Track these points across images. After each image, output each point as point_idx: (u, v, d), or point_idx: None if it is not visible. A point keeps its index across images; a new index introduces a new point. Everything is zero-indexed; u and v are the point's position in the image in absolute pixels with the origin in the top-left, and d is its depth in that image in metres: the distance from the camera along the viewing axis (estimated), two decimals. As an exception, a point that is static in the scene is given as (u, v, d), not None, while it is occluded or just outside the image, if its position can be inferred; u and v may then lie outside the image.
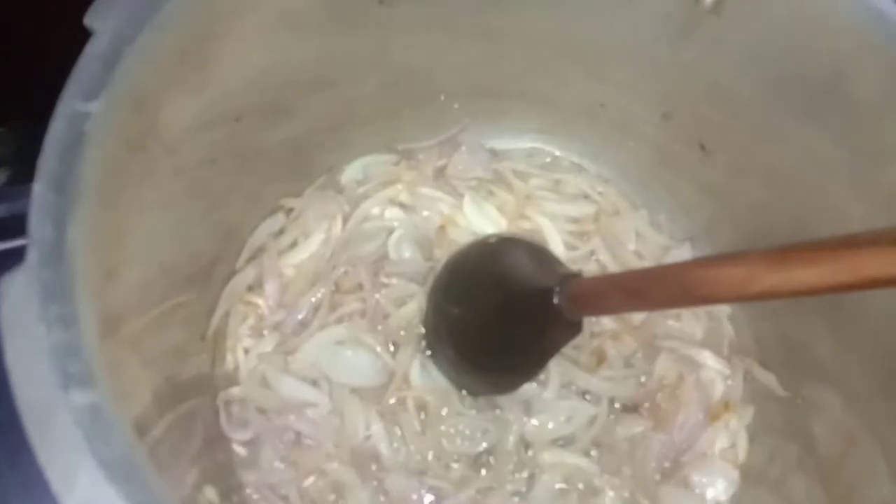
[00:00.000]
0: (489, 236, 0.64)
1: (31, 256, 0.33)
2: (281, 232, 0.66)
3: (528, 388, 0.61)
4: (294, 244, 0.66)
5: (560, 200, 0.69)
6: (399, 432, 0.59)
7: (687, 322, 0.65)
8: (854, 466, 0.53)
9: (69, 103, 0.37)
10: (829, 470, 0.55)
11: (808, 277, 0.37)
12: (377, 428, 0.58)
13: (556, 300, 0.54)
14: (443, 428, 0.60)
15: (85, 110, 0.37)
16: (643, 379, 0.63)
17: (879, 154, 0.49)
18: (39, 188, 0.34)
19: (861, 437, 0.53)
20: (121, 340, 0.41)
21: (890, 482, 0.48)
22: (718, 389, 0.63)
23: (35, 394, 0.30)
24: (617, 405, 0.62)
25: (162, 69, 0.42)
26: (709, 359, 0.63)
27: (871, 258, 0.34)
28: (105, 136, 0.38)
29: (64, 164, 0.35)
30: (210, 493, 0.43)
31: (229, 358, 0.61)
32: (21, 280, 0.32)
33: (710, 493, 0.60)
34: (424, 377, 0.61)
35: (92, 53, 0.39)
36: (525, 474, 0.58)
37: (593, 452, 0.60)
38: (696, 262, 0.47)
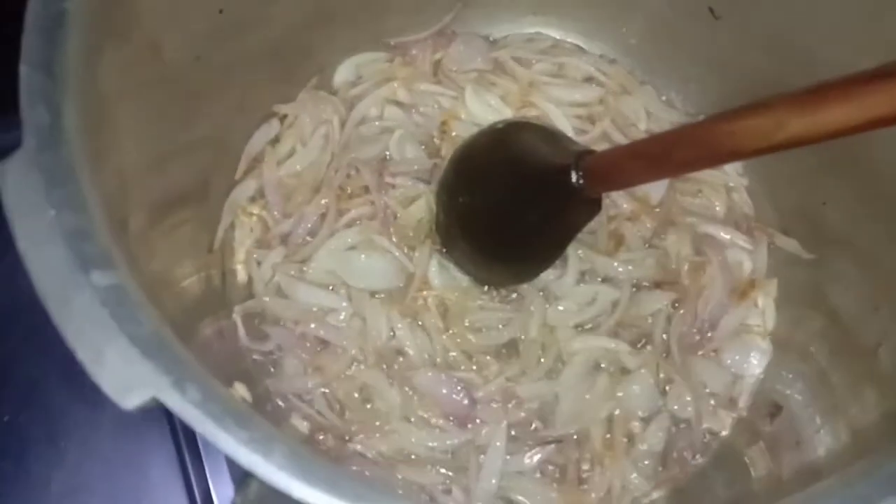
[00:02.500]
0: (496, 123, 0.61)
1: (28, 141, 0.30)
2: (277, 140, 0.63)
3: (548, 276, 0.60)
4: (292, 152, 0.63)
5: (565, 85, 0.66)
6: (423, 331, 0.58)
7: (707, 198, 0.64)
8: (873, 328, 0.52)
9: (44, -23, 0.33)
10: (850, 333, 0.54)
11: (838, 116, 0.34)
12: (401, 327, 0.57)
13: (573, 178, 0.52)
14: (466, 323, 0.59)
15: (62, -15, 0.34)
16: (664, 259, 0.61)
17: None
18: (26, 69, 0.31)
19: (878, 297, 0.52)
20: (134, 245, 0.39)
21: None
22: (746, 268, 0.62)
23: (53, 277, 0.28)
24: (638, 285, 0.61)
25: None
26: (732, 235, 0.62)
27: None
28: (86, 18, 0.35)
29: (49, 44, 0.33)
30: (241, 389, 0.42)
31: (240, 270, 0.59)
32: (18, 167, 0.30)
33: (746, 368, 0.59)
34: (443, 276, 0.60)
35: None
36: (553, 359, 0.58)
37: (619, 332, 0.59)
38: (719, 117, 0.45)
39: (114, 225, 0.33)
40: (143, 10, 0.42)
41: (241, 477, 0.28)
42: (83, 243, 0.29)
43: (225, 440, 0.26)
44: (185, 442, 0.63)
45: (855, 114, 0.34)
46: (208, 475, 0.61)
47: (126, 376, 0.26)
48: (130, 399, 0.26)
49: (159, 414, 0.65)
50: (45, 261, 0.28)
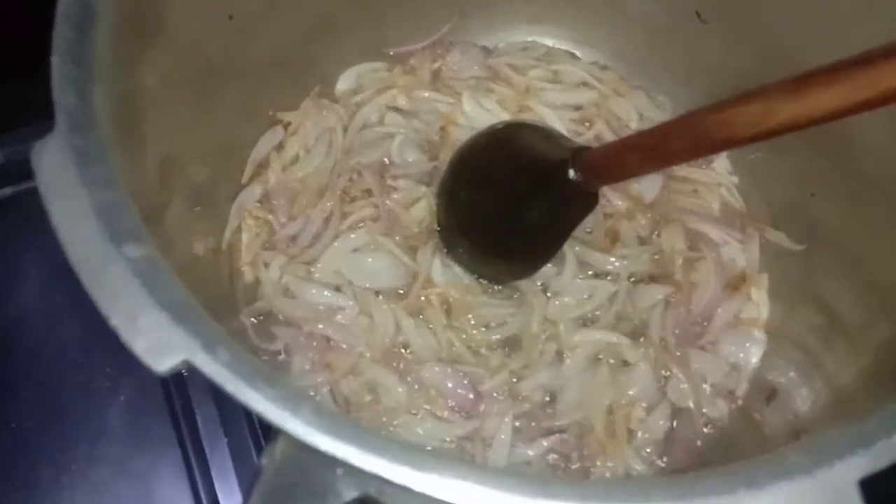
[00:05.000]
0: (494, 124, 0.63)
1: (61, 124, 0.32)
2: (281, 146, 0.65)
3: (547, 273, 0.61)
4: (296, 158, 0.65)
5: (561, 90, 0.68)
6: (428, 327, 0.59)
7: (703, 197, 0.66)
8: (858, 314, 0.54)
9: (74, -24, 0.35)
10: (838, 319, 0.56)
11: (827, 100, 0.36)
12: (407, 324, 0.58)
13: (571, 173, 0.53)
14: (470, 319, 0.60)
15: (90, -16, 0.36)
16: (658, 255, 0.63)
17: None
18: (57, 59, 0.33)
19: (863, 285, 0.54)
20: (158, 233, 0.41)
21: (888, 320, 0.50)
22: (739, 264, 0.64)
23: (86, 250, 0.29)
24: (634, 279, 0.62)
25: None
26: (726, 232, 0.64)
27: (887, 69, 0.34)
28: (112, 16, 0.37)
29: (79, 38, 0.34)
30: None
31: (247, 272, 0.60)
32: (52, 148, 0.31)
33: (742, 359, 0.61)
34: (446, 274, 0.61)
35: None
36: (555, 353, 0.59)
37: (617, 325, 0.61)
38: (712, 107, 0.46)
39: (141, 210, 0.35)
40: (167, 14, 0.44)
41: (270, 435, 0.29)
42: (115, 218, 0.30)
43: (255, 399, 0.27)
44: (193, 452, 0.63)
45: (840, 98, 0.35)
46: (216, 484, 0.61)
47: (159, 341, 0.28)
48: (164, 362, 0.27)
49: (167, 424, 0.66)
50: (78, 234, 0.29)
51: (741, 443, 0.57)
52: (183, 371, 0.29)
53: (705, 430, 0.58)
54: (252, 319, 0.58)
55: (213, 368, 0.27)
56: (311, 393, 0.57)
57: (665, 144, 0.47)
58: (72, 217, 0.30)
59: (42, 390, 0.67)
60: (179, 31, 0.45)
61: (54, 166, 0.31)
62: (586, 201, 0.56)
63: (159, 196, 0.44)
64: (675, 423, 0.57)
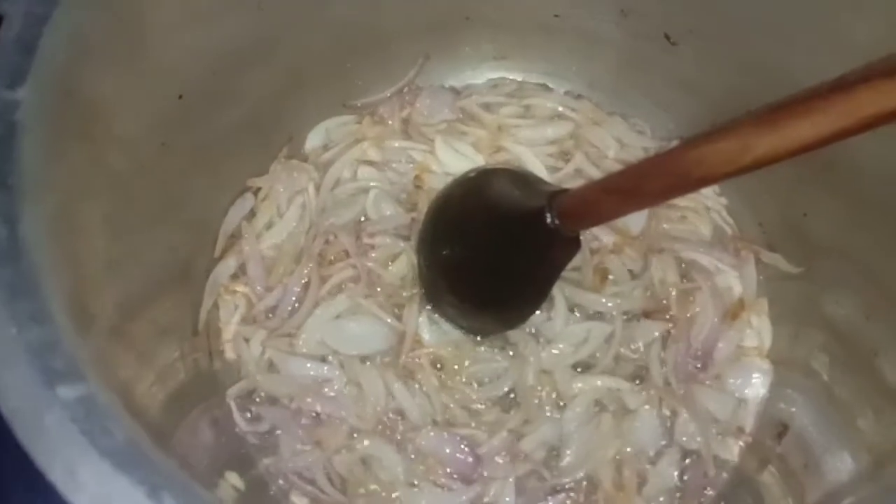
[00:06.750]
0: (468, 172, 0.61)
1: (-15, 257, 0.30)
2: (253, 214, 0.63)
3: (538, 320, 0.59)
4: (270, 224, 0.63)
5: (534, 125, 0.66)
6: (421, 390, 0.57)
7: (692, 223, 0.63)
8: (868, 336, 0.51)
9: (-7, 92, 0.33)
10: (847, 343, 0.53)
11: (803, 132, 0.35)
12: (398, 389, 0.56)
13: (548, 219, 0.51)
14: (463, 378, 0.58)
15: (12, 98, 0.34)
16: (651, 289, 0.61)
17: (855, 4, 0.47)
18: (-23, 186, 0.31)
19: (869, 304, 0.51)
20: (107, 343, 0.38)
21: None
22: (736, 291, 0.61)
23: (20, 397, 0.27)
24: (629, 317, 0.60)
25: (87, 46, 0.39)
26: (719, 258, 0.61)
27: (866, 95, 0.32)
28: (41, 124, 0.35)
29: (3, 156, 0.32)
30: (233, 478, 0.41)
31: (228, 350, 0.58)
32: (-23, 285, 0.29)
33: (749, 392, 0.58)
34: (434, 331, 0.59)
35: (7, 38, 0.35)
36: (554, 405, 0.57)
37: (616, 368, 0.58)
38: (686, 145, 0.44)
39: (84, 329, 0.33)
40: (101, 107, 0.42)
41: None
42: (48, 358, 0.28)
43: (207, 548, 0.25)
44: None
45: (818, 128, 0.34)
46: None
47: (101, 494, 0.25)
48: (107, 517, 0.25)
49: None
50: (9, 380, 0.27)
51: (761, 484, 0.54)
52: None
53: (718, 472, 0.55)
54: (236, 401, 0.56)
55: (161, 520, 0.25)
56: (305, 476, 0.54)
57: (641, 186, 0.46)
58: (1, 361, 0.28)
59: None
60: (124, 122, 0.43)
61: (-21, 305, 0.29)
62: (570, 245, 0.54)
63: (118, 297, 0.42)
64: (686, 469, 0.55)
